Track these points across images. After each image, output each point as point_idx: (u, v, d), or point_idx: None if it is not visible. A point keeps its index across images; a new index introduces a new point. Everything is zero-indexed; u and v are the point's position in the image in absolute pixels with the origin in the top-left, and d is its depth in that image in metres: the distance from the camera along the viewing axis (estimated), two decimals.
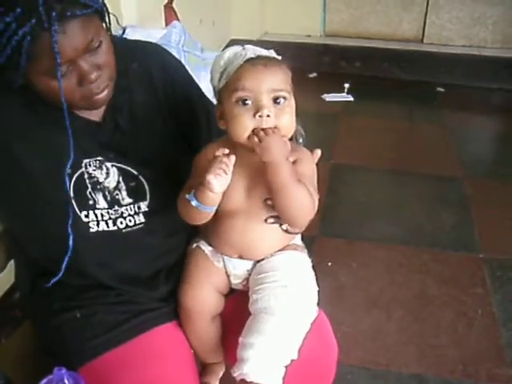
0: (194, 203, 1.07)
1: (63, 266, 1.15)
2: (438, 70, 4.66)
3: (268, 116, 1.04)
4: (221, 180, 1.03)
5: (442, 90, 4.54)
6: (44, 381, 1.04)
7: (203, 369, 1.29)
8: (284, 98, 1.06)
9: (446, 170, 3.39)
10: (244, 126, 1.05)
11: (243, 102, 1.05)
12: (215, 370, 1.30)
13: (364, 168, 3.41)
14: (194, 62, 1.69)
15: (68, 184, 1.12)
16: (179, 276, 1.24)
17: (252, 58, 1.08)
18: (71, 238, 1.13)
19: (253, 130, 1.05)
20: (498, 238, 2.75)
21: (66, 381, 1.03)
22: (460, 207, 3.02)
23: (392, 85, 4.59)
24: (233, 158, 1.04)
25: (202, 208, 1.08)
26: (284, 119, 1.06)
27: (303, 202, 1.09)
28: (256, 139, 1.03)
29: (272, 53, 1.13)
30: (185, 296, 1.21)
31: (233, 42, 4.80)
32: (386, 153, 3.59)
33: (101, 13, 1.05)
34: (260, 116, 1.04)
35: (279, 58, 1.13)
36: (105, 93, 1.08)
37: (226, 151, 1.04)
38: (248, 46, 1.11)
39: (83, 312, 1.20)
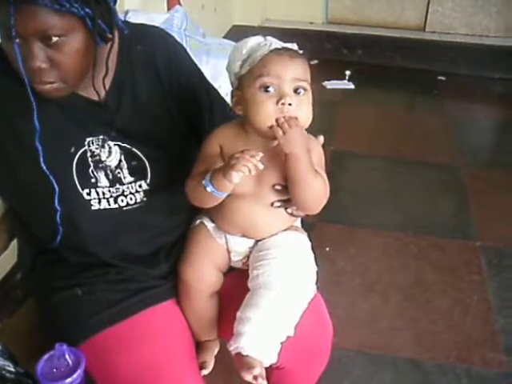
0: (209, 189, 1.08)
1: (58, 237, 1.18)
2: (439, 59, 4.66)
3: (290, 105, 1.06)
4: (242, 175, 1.05)
5: (443, 78, 4.54)
6: (46, 356, 1.06)
7: (198, 347, 1.31)
8: (304, 89, 1.09)
9: (445, 159, 3.41)
10: (267, 113, 1.07)
11: (266, 88, 1.08)
12: (210, 348, 1.32)
13: (364, 155, 3.42)
14: (196, 46, 1.70)
15: (41, 165, 1.13)
16: (179, 255, 1.26)
17: (278, 49, 1.11)
18: (58, 214, 1.15)
19: (276, 122, 1.06)
20: (495, 226, 2.77)
21: (67, 356, 1.05)
22: (458, 195, 3.04)
23: (393, 73, 4.58)
24: (259, 157, 1.04)
25: (216, 194, 1.09)
26: (303, 110, 1.09)
27: (319, 190, 1.13)
28: (280, 132, 1.05)
29: (294, 46, 1.16)
30: (185, 270, 1.23)
31: (235, 28, 4.79)
32: (386, 140, 3.60)
33: (85, 19, 1.03)
34: (282, 104, 1.06)
35: (301, 51, 1.15)
36: (47, 87, 1.06)
37: (259, 156, 1.04)
38: (270, 38, 1.14)
39: (84, 290, 1.22)
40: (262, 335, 1.10)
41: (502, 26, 4.80)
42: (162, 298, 1.24)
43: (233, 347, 1.10)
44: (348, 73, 4.44)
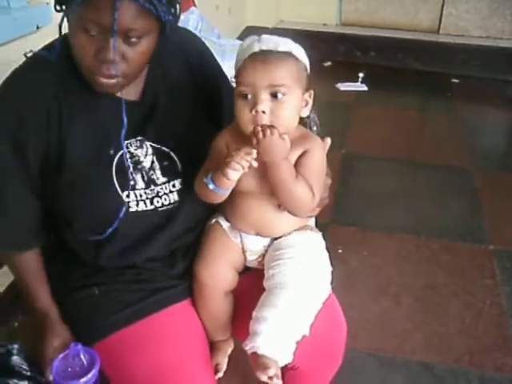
0: (211, 186, 1.10)
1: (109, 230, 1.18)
2: (453, 61, 4.65)
3: (263, 112, 1.07)
4: (239, 172, 1.07)
5: (456, 81, 4.53)
6: (61, 356, 1.06)
7: (211, 348, 1.31)
8: (283, 93, 1.08)
9: (458, 161, 3.40)
10: (244, 120, 1.09)
11: (244, 96, 1.09)
12: (223, 349, 1.33)
13: (376, 158, 3.42)
14: (211, 48, 1.70)
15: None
16: (195, 253, 1.27)
17: (255, 53, 1.10)
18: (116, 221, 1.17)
19: (254, 130, 1.07)
20: (509, 230, 2.75)
21: (81, 356, 1.06)
22: (471, 198, 3.03)
23: (406, 75, 4.58)
24: (254, 155, 1.06)
25: (217, 191, 1.12)
26: (282, 115, 1.08)
27: (301, 197, 1.12)
28: (255, 141, 1.06)
29: (287, 42, 1.13)
30: (200, 269, 1.24)
31: (248, 30, 4.80)
32: (399, 143, 3.60)
33: (163, 24, 1.08)
34: (256, 111, 1.07)
35: (294, 47, 1.13)
36: (110, 81, 1.09)
37: (254, 154, 1.05)
38: (264, 37, 1.12)
39: (101, 289, 1.23)
40: (277, 335, 1.11)
41: None
42: (178, 299, 1.25)
43: (248, 346, 1.11)
44: (361, 75, 4.44)
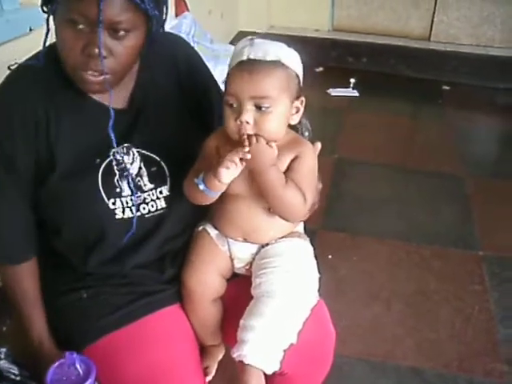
0: (201, 187, 1.10)
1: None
2: (444, 68, 4.66)
3: (247, 122, 1.07)
4: (231, 173, 1.07)
5: (447, 88, 4.55)
6: (56, 364, 1.05)
7: (202, 352, 1.31)
8: (267, 105, 1.07)
9: (449, 168, 3.40)
10: (230, 127, 1.09)
11: (230, 104, 1.09)
12: (214, 353, 1.33)
13: (367, 163, 3.42)
14: (204, 52, 1.72)
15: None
16: (184, 259, 1.27)
17: (242, 62, 1.08)
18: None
19: (240, 137, 1.08)
20: (498, 236, 2.76)
21: (77, 365, 1.05)
22: (461, 205, 3.04)
23: (398, 81, 4.59)
24: (248, 156, 1.06)
25: (208, 193, 1.11)
26: (266, 126, 1.08)
27: (292, 202, 1.12)
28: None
29: (279, 48, 1.10)
30: (188, 277, 1.24)
31: (241, 34, 4.80)
32: (390, 149, 3.60)
33: (150, 18, 1.08)
34: (240, 121, 1.07)
35: (285, 54, 1.10)
36: (98, 78, 1.08)
37: (246, 150, 1.05)
38: (256, 42, 1.10)
39: (89, 293, 1.23)
40: (265, 343, 1.11)
41: (507, 36, 4.79)
42: (167, 303, 1.25)
43: (236, 354, 1.11)
44: (353, 80, 4.45)
